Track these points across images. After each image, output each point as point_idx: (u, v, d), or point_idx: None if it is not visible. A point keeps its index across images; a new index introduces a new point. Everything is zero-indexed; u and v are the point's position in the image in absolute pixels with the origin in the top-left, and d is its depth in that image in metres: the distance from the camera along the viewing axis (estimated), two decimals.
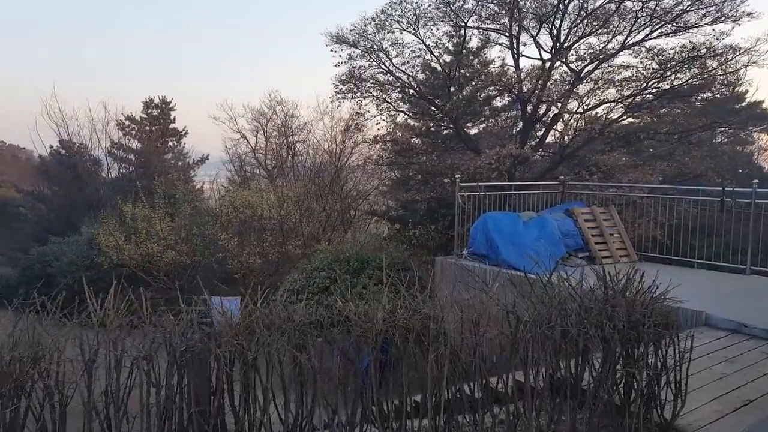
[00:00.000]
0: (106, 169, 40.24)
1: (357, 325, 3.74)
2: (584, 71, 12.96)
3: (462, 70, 13.21)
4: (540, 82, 12.47)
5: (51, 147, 40.39)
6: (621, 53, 12.47)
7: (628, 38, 12.18)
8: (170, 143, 41.78)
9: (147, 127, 40.94)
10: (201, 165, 40.76)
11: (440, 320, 3.82)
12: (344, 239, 16.43)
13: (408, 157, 14.29)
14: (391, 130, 14.83)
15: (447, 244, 16.15)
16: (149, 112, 40.82)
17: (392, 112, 14.34)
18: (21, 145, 59.03)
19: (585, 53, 12.89)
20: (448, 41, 14.29)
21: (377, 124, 14.19)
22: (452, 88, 13.22)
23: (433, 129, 15.44)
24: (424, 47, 12.97)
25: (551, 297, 4.07)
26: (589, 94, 12.91)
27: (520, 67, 13.33)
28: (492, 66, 13.83)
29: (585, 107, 12.98)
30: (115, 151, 39.42)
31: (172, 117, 41.46)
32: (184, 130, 41.69)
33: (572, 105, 13.22)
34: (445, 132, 16.33)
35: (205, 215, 21.14)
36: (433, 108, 14.92)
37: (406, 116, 15.53)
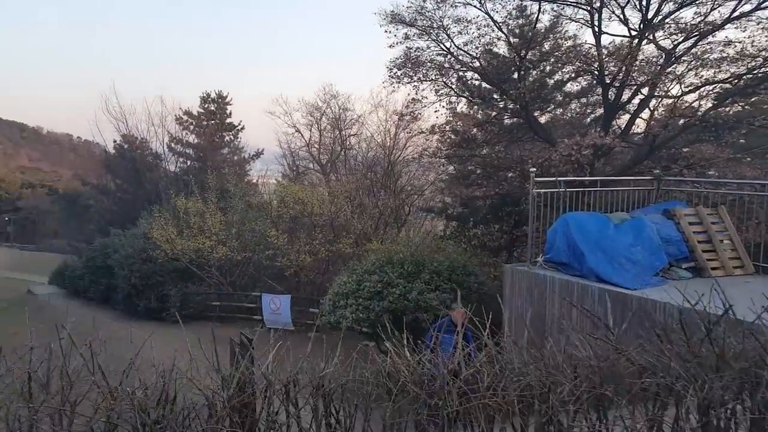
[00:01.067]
0: (165, 163, 40.77)
1: (417, 397, 2.38)
2: (678, 49, 11.02)
3: (533, 50, 11.49)
4: (626, 61, 10.66)
5: (115, 141, 41.38)
6: (726, 26, 10.45)
7: (738, 7, 10.18)
8: (227, 138, 41.86)
9: (204, 122, 41.14)
10: (256, 159, 40.58)
11: (549, 393, 2.40)
12: (398, 238, 15.17)
13: (469, 149, 12.74)
14: (450, 119, 13.31)
15: (512, 245, 14.55)
16: (206, 106, 40.95)
17: (452, 99, 12.80)
18: (84, 138, 61.24)
19: (680, 28, 10.93)
20: (517, 19, 12.65)
21: (436, 111, 12.70)
22: (521, 71, 11.54)
23: (496, 118, 13.81)
24: (491, 22, 11.35)
25: (730, 357, 2.55)
26: (684, 76, 10.95)
27: (602, 46, 11.54)
28: (567, 44, 12.01)
29: (682, 90, 11.02)
30: (174, 146, 39.78)
31: (228, 111, 41.52)
32: (240, 124, 41.66)
33: (663, 88, 11.28)
34: (508, 122, 14.71)
35: (255, 210, 20.47)
36: (496, 95, 13.34)
37: (466, 104, 13.98)
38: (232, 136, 41.40)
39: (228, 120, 40.85)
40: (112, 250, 23.39)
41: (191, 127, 40.13)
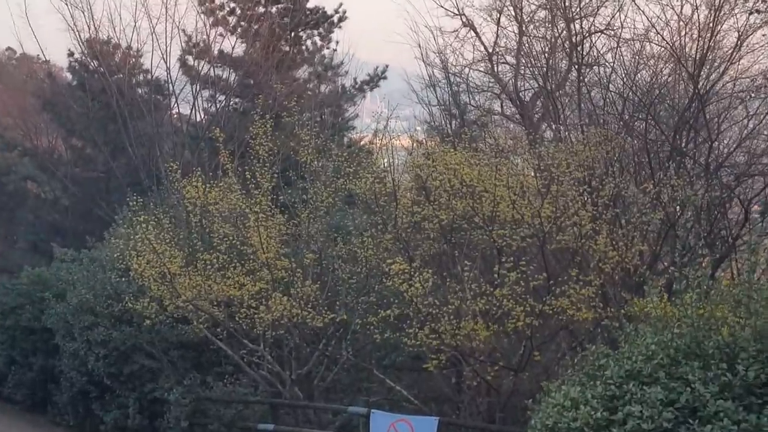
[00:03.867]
0: (174, 102, 46.02)
1: None
2: None
3: None
4: None
5: (71, 56, 47.54)
6: None
7: None
8: (307, 41, 43.69)
9: (261, 8, 44.21)
10: (370, 90, 41.24)
11: None
12: (715, 285, 13.80)
13: None
14: None
15: None
16: None
17: None
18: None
19: None
20: None
21: None
22: None
23: None
24: None
25: None
26: None
27: None
28: None
29: None
30: (193, 62, 42.96)
31: None
32: (338, 11, 42.68)
33: None
34: None
35: (361, 209, 20.44)
36: None
37: None
38: (318, 38, 42.19)
39: (309, 3, 41.62)
40: (52, 296, 24.48)
41: (232, 22, 41.47)
